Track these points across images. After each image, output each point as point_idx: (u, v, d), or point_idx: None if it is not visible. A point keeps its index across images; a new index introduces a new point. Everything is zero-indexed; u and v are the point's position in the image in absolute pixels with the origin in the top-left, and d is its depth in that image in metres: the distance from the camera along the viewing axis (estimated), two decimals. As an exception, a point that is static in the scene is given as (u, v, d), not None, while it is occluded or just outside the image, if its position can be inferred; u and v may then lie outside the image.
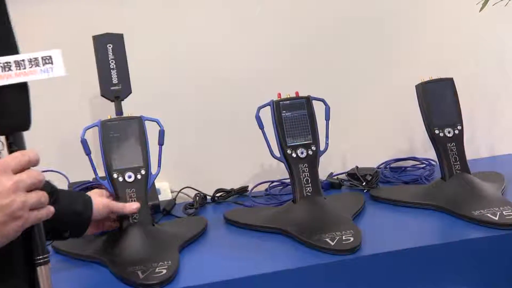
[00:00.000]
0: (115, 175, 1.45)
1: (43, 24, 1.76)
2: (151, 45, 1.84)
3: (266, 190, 1.86)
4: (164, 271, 1.28)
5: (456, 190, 1.57)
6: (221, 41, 1.90)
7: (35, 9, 1.74)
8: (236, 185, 1.86)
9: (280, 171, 1.82)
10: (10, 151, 0.95)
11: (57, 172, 1.67)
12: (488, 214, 1.44)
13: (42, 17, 1.76)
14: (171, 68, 1.87)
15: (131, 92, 1.62)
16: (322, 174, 1.76)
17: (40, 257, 0.97)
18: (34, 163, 0.94)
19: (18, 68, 0.93)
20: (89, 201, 1.36)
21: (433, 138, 1.64)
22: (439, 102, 1.65)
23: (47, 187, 1.06)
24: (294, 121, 1.58)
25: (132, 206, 1.41)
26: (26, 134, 0.98)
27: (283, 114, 1.57)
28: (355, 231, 1.40)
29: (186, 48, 1.88)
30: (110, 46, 1.60)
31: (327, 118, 1.62)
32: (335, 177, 1.90)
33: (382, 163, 1.96)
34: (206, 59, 1.88)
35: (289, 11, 1.95)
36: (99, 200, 1.39)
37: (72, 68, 1.72)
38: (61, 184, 1.66)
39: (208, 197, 1.83)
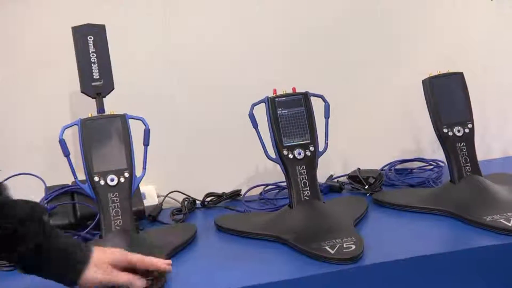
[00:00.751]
0: (96, 178, 1.44)
1: (41, 23, 1.77)
2: (146, 42, 1.85)
3: (260, 194, 1.86)
4: (150, 282, 1.27)
5: (466, 193, 1.58)
6: (217, 41, 1.91)
7: (33, 8, 1.75)
8: (228, 189, 1.86)
9: (275, 174, 1.81)
10: None
11: (33, 175, 1.67)
12: (501, 220, 1.44)
13: (41, 17, 1.77)
14: (161, 66, 1.87)
15: (113, 88, 1.61)
16: (321, 177, 1.76)
17: None
18: None
19: None
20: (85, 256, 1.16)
21: (442, 138, 1.64)
22: (448, 98, 1.65)
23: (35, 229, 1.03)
24: (291, 119, 1.57)
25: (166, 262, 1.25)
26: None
27: (279, 112, 1.57)
28: (357, 239, 1.40)
29: (183, 47, 1.88)
30: (90, 38, 1.59)
31: (327, 116, 1.62)
32: (335, 179, 1.90)
33: (386, 165, 1.96)
34: (201, 59, 1.89)
35: (289, 11, 1.96)
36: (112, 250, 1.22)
37: (52, 63, 1.75)
38: (38, 189, 1.66)
39: (197, 202, 1.82)
